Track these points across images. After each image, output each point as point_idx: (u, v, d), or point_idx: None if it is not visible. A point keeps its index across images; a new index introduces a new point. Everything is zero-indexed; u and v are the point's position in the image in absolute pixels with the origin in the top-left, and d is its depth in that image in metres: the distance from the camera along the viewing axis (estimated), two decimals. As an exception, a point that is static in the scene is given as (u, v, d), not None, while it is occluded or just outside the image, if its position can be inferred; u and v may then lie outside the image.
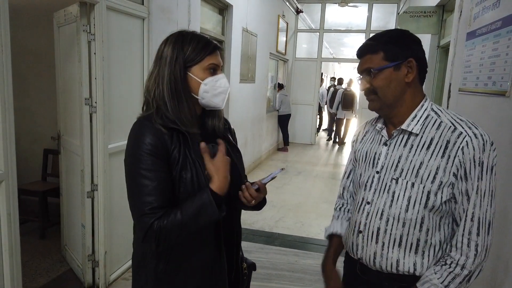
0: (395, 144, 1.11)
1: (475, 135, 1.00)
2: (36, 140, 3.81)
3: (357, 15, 8.93)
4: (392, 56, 1.06)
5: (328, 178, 6.12)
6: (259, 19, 5.99)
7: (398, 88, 1.08)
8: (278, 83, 8.16)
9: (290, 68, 9.03)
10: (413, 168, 1.05)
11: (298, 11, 8.64)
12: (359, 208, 1.16)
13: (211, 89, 1.09)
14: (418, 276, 1.08)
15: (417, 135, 1.07)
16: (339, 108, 9.01)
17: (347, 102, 8.90)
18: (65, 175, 2.89)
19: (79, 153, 2.51)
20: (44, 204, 3.32)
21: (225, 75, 1.15)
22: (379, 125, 1.19)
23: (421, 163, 1.04)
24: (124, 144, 1.09)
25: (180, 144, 1.05)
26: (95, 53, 2.32)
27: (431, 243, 1.07)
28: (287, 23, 7.99)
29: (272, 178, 1.17)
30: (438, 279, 1.03)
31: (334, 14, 9.19)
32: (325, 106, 11.16)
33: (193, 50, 1.07)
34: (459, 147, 1.00)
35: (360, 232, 1.15)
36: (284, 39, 7.99)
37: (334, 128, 9.57)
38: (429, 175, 1.03)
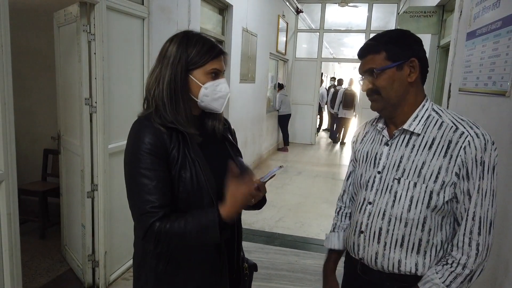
0: (396, 144, 1.11)
1: (476, 134, 1.00)
2: (36, 140, 3.81)
3: (357, 15, 8.93)
4: (395, 56, 1.06)
5: (328, 178, 6.12)
6: (259, 19, 5.99)
7: (401, 88, 1.08)
8: (278, 83, 8.16)
9: (290, 68, 9.03)
10: (415, 168, 1.05)
11: (298, 11, 8.64)
12: (361, 208, 1.16)
13: (211, 93, 1.09)
14: (419, 276, 1.08)
15: (418, 135, 1.07)
16: (340, 107, 9.05)
17: (348, 101, 8.94)
18: (65, 175, 2.89)
19: (79, 153, 2.51)
20: (44, 204, 3.32)
21: (225, 76, 1.15)
22: (380, 125, 1.18)
23: (423, 163, 1.04)
24: (124, 144, 1.10)
25: (179, 143, 1.05)
26: (95, 53, 2.32)
27: (433, 243, 1.07)
28: (287, 23, 7.98)
29: (271, 177, 1.16)
30: (439, 278, 1.03)
31: (334, 14, 9.19)
32: (325, 106, 11.18)
33: (197, 53, 1.07)
34: (461, 147, 1.00)
35: (361, 232, 1.15)
36: (284, 39, 7.99)
37: (335, 129, 9.59)
38: (431, 174, 1.03)
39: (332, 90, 9.97)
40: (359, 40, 10.33)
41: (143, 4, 2.75)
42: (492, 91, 1.82)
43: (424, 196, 1.04)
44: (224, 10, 4.76)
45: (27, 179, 3.49)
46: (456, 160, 1.00)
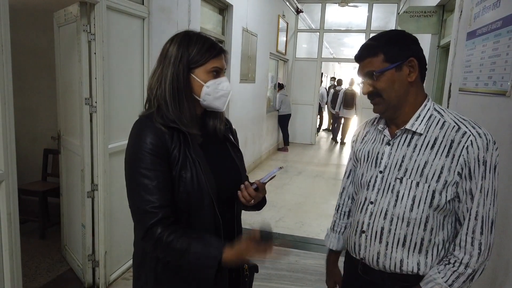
0: (398, 144, 1.11)
1: (479, 134, 1.00)
2: (36, 140, 3.81)
3: (357, 15, 8.93)
4: (393, 57, 1.06)
5: (329, 178, 6.12)
6: (259, 19, 5.98)
7: (402, 89, 1.08)
8: (278, 83, 8.16)
9: (290, 68, 9.03)
10: (418, 167, 1.05)
11: (298, 11, 8.64)
12: (362, 208, 1.16)
13: (213, 92, 1.09)
14: (421, 275, 1.08)
15: (421, 134, 1.07)
16: (341, 107, 9.11)
17: (348, 101, 8.99)
18: (65, 175, 2.89)
19: (79, 153, 2.50)
20: (44, 204, 3.32)
21: (226, 77, 1.15)
22: (381, 125, 1.18)
23: (426, 163, 1.04)
24: (124, 144, 1.10)
25: (180, 143, 1.05)
26: (95, 53, 2.32)
27: (434, 242, 1.07)
28: (287, 23, 7.98)
29: (271, 178, 1.16)
30: (442, 278, 1.03)
31: (334, 14, 9.19)
32: (325, 106, 11.19)
33: (198, 52, 1.07)
34: (463, 147, 1.00)
35: (363, 232, 1.15)
36: (284, 39, 7.99)
37: (336, 128, 9.63)
38: (434, 174, 1.03)
39: (332, 90, 9.98)
40: (359, 40, 10.32)
41: (143, 4, 2.75)
42: (492, 91, 1.81)
43: (426, 196, 1.04)
44: (224, 10, 4.76)
45: (27, 179, 3.49)
46: (458, 160, 1.00)
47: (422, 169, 1.04)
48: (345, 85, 9.81)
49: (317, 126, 10.39)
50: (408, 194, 1.06)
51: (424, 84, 1.14)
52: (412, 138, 1.09)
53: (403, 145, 1.10)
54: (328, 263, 1.41)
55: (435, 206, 1.04)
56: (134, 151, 1.03)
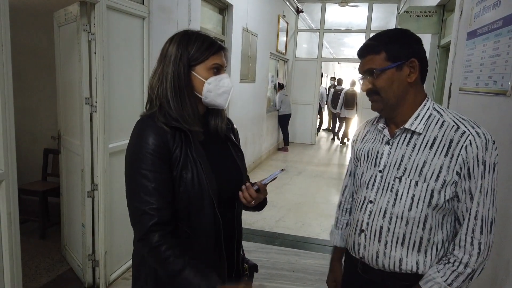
0: (397, 143, 1.11)
1: (478, 134, 1.00)
2: (36, 139, 3.81)
3: (357, 15, 8.93)
4: (394, 57, 1.06)
5: (329, 178, 6.12)
6: (259, 19, 5.98)
7: (401, 88, 1.08)
8: (278, 83, 8.16)
9: (290, 68, 9.02)
10: (417, 166, 1.05)
11: (298, 11, 8.64)
12: (361, 207, 1.16)
13: (215, 89, 1.09)
14: (420, 274, 1.08)
15: (420, 134, 1.07)
16: (342, 107, 9.20)
17: (349, 101, 9.07)
18: (65, 174, 2.89)
19: (79, 152, 2.50)
20: (44, 204, 3.32)
21: (227, 74, 1.15)
22: (381, 124, 1.19)
23: (425, 162, 1.04)
24: (124, 143, 1.10)
25: (182, 143, 1.05)
26: (95, 53, 2.32)
27: (433, 241, 1.07)
28: (287, 23, 7.98)
29: (273, 179, 1.17)
30: (441, 277, 1.03)
31: (335, 14, 9.19)
32: (325, 106, 11.20)
33: (197, 49, 1.07)
34: (462, 146, 1.00)
35: (362, 231, 1.15)
36: (284, 39, 7.98)
37: (337, 128, 9.69)
38: (432, 173, 1.03)
39: (332, 89, 10.00)
40: (359, 40, 10.32)
41: (143, 4, 2.75)
42: (492, 90, 1.81)
43: (425, 195, 1.04)
44: (224, 10, 4.76)
45: (27, 179, 3.49)
46: (457, 159, 1.00)
47: (421, 169, 1.04)
48: (345, 85, 9.83)
49: (317, 126, 10.40)
50: (407, 193, 1.06)
51: (424, 84, 1.14)
52: (411, 137, 1.09)
53: (402, 144, 1.10)
54: (333, 259, 1.42)
55: (433, 206, 1.04)
56: (135, 151, 1.03)
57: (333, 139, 10.14)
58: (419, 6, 4.34)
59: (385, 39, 1.08)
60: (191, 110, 1.08)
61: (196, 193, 1.04)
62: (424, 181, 1.04)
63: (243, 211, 1.27)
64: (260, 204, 1.23)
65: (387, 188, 1.10)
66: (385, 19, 9.39)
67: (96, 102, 2.37)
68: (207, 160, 1.08)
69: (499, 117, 1.72)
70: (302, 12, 8.75)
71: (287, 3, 7.78)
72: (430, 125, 1.07)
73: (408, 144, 1.09)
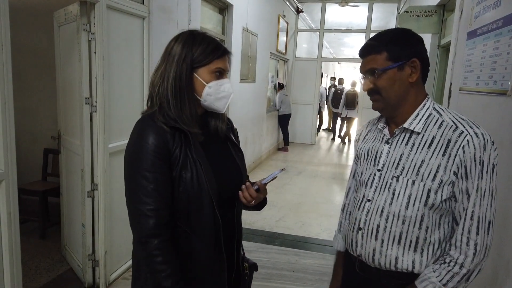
0: (397, 143, 1.11)
1: (476, 134, 1.00)
2: (36, 139, 3.81)
3: (357, 15, 8.92)
4: (396, 57, 1.05)
5: (329, 178, 6.12)
6: (260, 19, 5.98)
7: (402, 88, 1.08)
8: (278, 83, 8.16)
9: (290, 68, 9.02)
10: (414, 166, 1.05)
11: (298, 11, 8.64)
12: (360, 206, 1.17)
13: (215, 93, 1.10)
14: (416, 274, 1.08)
15: (418, 133, 1.08)
16: (344, 108, 9.30)
17: (349, 101, 9.15)
18: (65, 174, 2.89)
19: (79, 152, 2.50)
20: (44, 204, 3.32)
21: (229, 79, 1.15)
22: (381, 124, 1.19)
23: (422, 161, 1.04)
24: (124, 143, 1.10)
25: (181, 143, 1.05)
26: (95, 52, 2.32)
27: (430, 241, 1.07)
28: (287, 23, 7.98)
29: (273, 179, 1.17)
30: (436, 277, 1.03)
31: (335, 14, 9.18)
32: (325, 106, 11.21)
33: (202, 52, 1.07)
34: (460, 146, 1.00)
35: (360, 229, 1.15)
36: (285, 38, 7.98)
37: (339, 127, 9.81)
38: (429, 173, 1.03)
39: (333, 89, 10.02)
40: (360, 40, 10.32)
41: (143, 4, 2.75)
42: (493, 90, 1.81)
43: (422, 194, 1.04)
44: (224, 9, 4.76)
45: (27, 179, 3.49)
46: (454, 159, 1.00)
47: (419, 168, 1.04)
48: (346, 85, 9.86)
49: (317, 126, 10.40)
50: (404, 192, 1.06)
51: (425, 84, 1.14)
52: (410, 137, 1.09)
53: (401, 143, 1.10)
54: (335, 265, 1.40)
55: (430, 205, 1.04)
56: (135, 150, 1.03)
57: (333, 139, 10.15)
58: (419, 6, 4.34)
59: (386, 39, 1.08)
60: (189, 112, 1.08)
61: (195, 193, 1.04)
62: (421, 181, 1.04)
63: (243, 211, 1.27)
64: (260, 204, 1.23)
65: (385, 187, 1.10)
66: (385, 19, 9.39)
67: (96, 102, 2.37)
68: (207, 160, 1.08)
69: (500, 117, 1.72)
70: (302, 12, 8.75)
71: (287, 3, 7.78)
72: (429, 125, 1.07)
73: (406, 144, 1.09)
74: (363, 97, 8.48)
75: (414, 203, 1.05)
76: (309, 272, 2.91)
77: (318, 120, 10.51)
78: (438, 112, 1.09)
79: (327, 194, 5.22)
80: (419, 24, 3.93)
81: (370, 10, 8.28)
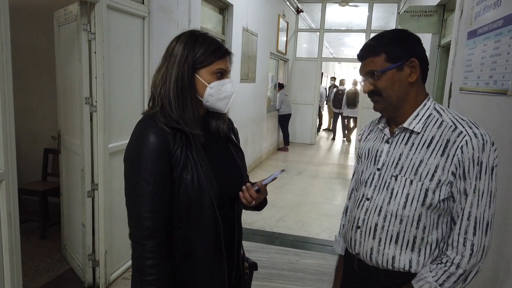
0: (396, 142, 1.12)
1: (475, 134, 1.00)
2: (36, 139, 3.81)
3: (357, 15, 8.92)
4: (394, 57, 1.06)
5: (329, 178, 6.12)
6: (260, 19, 5.98)
7: (402, 88, 1.08)
8: (279, 82, 8.16)
9: (290, 68, 9.02)
10: (413, 165, 1.05)
11: (298, 11, 8.64)
12: (359, 204, 1.18)
13: (216, 93, 1.10)
14: (413, 273, 1.08)
15: (418, 133, 1.08)
16: (345, 107, 9.45)
17: (350, 100, 9.26)
18: (65, 174, 2.89)
19: (79, 152, 2.50)
20: (45, 204, 3.32)
21: (230, 79, 1.15)
22: (382, 123, 1.20)
23: (421, 161, 1.04)
24: (124, 143, 1.10)
25: (182, 144, 1.05)
26: (95, 52, 2.32)
27: (427, 241, 1.07)
28: (288, 23, 7.98)
29: (273, 179, 1.17)
30: (433, 277, 1.03)
31: (335, 14, 9.18)
32: (325, 105, 11.22)
33: (203, 53, 1.07)
34: (458, 146, 1.00)
35: (358, 227, 1.16)
36: (285, 38, 7.98)
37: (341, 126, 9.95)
38: (427, 173, 1.03)
39: (334, 89, 10.04)
40: (360, 40, 10.33)
41: (143, 4, 2.75)
42: (493, 90, 1.81)
43: (419, 194, 1.04)
44: (224, 9, 4.76)
45: (27, 179, 3.49)
46: (452, 159, 1.00)
47: (417, 168, 1.05)
48: (348, 86, 9.91)
49: (317, 126, 10.41)
50: (402, 192, 1.07)
51: (425, 83, 1.14)
52: (410, 136, 1.09)
53: (401, 143, 1.11)
54: (337, 269, 1.41)
55: (427, 205, 1.04)
56: (135, 151, 1.03)
57: (333, 138, 10.16)
58: (419, 5, 4.34)
59: (384, 41, 1.08)
60: (192, 113, 1.08)
61: (196, 194, 1.05)
62: (419, 180, 1.04)
63: (243, 211, 1.27)
64: (260, 204, 1.23)
65: (384, 186, 1.11)
66: (385, 19, 9.39)
67: (96, 101, 2.37)
68: (207, 161, 1.08)
69: (500, 116, 1.72)
70: (302, 12, 8.75)
71: (287, 3, 7.78)
72: (428, 125, 1.07)
73: (406, 143, 1.09)
74: (364, 97, 8.49)
75: (411, 202, 1.05)
76: (309, 272, 2.91)
77: (318, 120, 10.52)
78: (438, 112, 1.09)
79: (327, 194, 5.22)
80: (419, 24, 3.93)
81: (370, 10, 8.28)
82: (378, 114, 1.23)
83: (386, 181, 1.10)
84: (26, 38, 3.69)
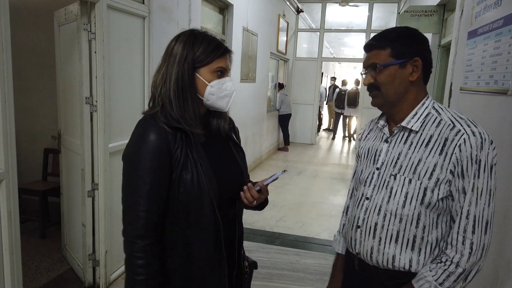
0: (395, 141, 1.12)
1: (473, 133, 0.99)
2: (36, 139, 3.81)
3: (357, 15, 8.92)
4: (399, 54, 1.06)
5: (329, 178, 6.12)
6: (260, 19, 5.98)
7: (401, 86, 1.08)
8: (279, 82, 8.16)
9: (290, 68, 9.02)
10: (412, 164, 1.05)
11: (298, 11, 8.64)
12: (359, 204, 1.17)
13: (217, 92, 1.10)
14: (414, 273, 1.08)
15: (416, 132, 1.08)
16: (346, 106, 9.53)
17: (351, 99, 9.31)
18: (65, 174, 2.89)
19: (79, 152, 2.50)
20: (45, 204, 3.32)
21: (230, 77, 1.15)
22: (381, 122, 1.20)
23: (420, 160, 1.04)
24: (125, 143, 1.09)
25: (183, 144, 1.05)
26: (95, 52, 2.32)
27: (427, 240, 1.07)
28: (288, 23, 7.98)
29: (275, 179, 1.17)
30: (432, 276, 1.03)
31: (335, 14, 9.18)
32: (324, 105, 11.23)
33: (203, 51, 1.07)
34: (456, 145, 1.00)
35: (358, 227, 1.16)
36: (285, 38, 7.98)
37: (342, 126, 10.01)
38: (426, 171, 1.03)
39: (337, 89, 10.06)
40: (360, 40, 10.33)
41: (143, 3, 2.74)
42: (493, 90, 1.81)
43: (418, 193, 1.04)
44: (224, 9, 4.76)
45: (27, 179, 3.49)
46: (451, 158, 1.00)
47: (416, 166, 1.05)
48: (350, 86, 9.94)
49: (317, 126, 10.42)
50: (401, 191, 1.06)
51: (426, 85, 1.14)
52: (408, 135, 1.09)
53: (400, 142, 1.11)
54: (334, 267, 1.40)
55: (426, 204, 1.04)
56: (135, 150, 1.03)
57: (333, 138, 10.17)
58: (419, 5, 4.34)
59: (392, 36, 1.09)
60: (192, 112, 1.08)
61: (196, 194, 1.04)
62: (418, 179, 1.04)
63: (244, 210, 1.27)
64: (261, 204, 1.23)
65: (383, 185, 1.11)
66: (386, 19, 9.39)
67: (96, 101, 2.37)
68: (208, 161, 1.08)
69: (500, 116, 1.72)
70: (302, 11, 8.75)
71: (287, 2, 7.78)
72: (427, 124, 1.07)
73: (405, 142, 1.09)
74: (364, 97, 8.49)
75: (411, 201, 1.05)
76: (310, 272, 2.91)
77: (318, 120, 10.52)
78: (437, 111, 1.09)
79: (327, 194, 5.22)
80: (419, 24, 3.93)
81: (370, 10, 8.27)
82: (379, 113, 1.23)
83: (385, 180, 1.10)
84: (26, 38, 3.69)
